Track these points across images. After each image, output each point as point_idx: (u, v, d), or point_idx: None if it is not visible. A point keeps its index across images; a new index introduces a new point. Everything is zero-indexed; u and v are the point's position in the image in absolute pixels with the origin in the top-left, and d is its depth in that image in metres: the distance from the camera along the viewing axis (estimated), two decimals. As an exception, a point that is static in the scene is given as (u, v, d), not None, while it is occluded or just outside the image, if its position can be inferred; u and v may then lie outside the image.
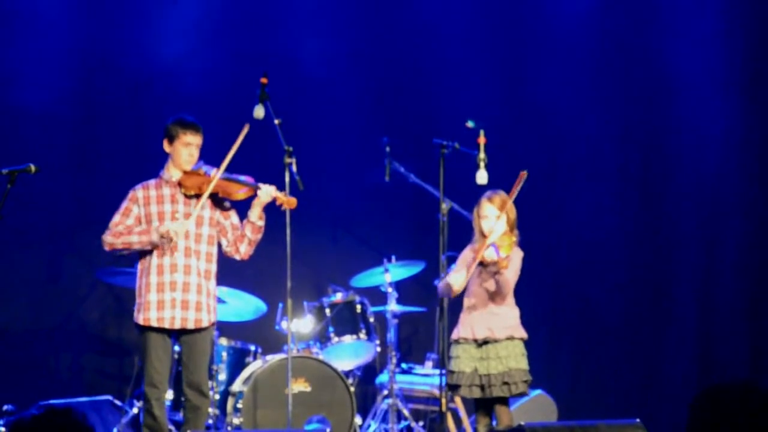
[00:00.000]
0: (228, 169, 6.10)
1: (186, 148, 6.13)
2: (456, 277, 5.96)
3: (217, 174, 6.06)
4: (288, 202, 6.18)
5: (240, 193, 6.14)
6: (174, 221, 6.05)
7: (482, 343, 5.99)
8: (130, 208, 6.14)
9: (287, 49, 8.39)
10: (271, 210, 6.22)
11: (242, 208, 6.27)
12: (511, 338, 6.01)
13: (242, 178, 6.18)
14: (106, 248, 6.13)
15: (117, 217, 6.13)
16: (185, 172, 6.14)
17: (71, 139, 8.12)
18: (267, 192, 6.13)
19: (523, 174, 5.92)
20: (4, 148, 7.63)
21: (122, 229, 6.09)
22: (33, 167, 5.49)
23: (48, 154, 7.65)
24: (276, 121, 6.26)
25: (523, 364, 6.01)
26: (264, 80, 6.26)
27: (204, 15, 8.33)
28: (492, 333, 5.98)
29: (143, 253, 6.10)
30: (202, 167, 6.15)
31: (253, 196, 6.16)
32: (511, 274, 5.97)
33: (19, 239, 7.88)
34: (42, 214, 7.97)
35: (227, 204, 6.24)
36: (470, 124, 6.23)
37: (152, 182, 6.21)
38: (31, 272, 8.03)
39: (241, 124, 6.11)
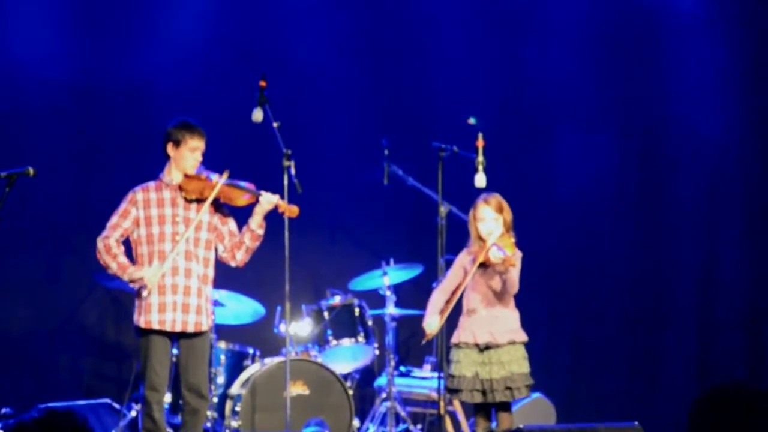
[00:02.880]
0: (230, 175, 6.09)
1: (192, 153, 6.10)
2: (429, 323, 5.98)
3: (220, 180, 6.05)
4: (290, 210, 6.16)
5: (242, 200, 6.13)
6: (149, 267, 5.99)
7: (484, 348, 5.98)
8: (128, 210, 6.11)
9: (286, 52, 8.39)
10: (270, 212, 6.21)
11: (241, 214, 6.26)
12: (512, 342, 5.99)
13: (244, 184, 6.16)
14: (96, 253, 6.10)
15: (115, 219, 6.10)
16: (187, 176, 6.12)
17: (70, 142, 8.11)
18: (268, 199, 6.11)
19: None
20: (3, 151, 7.63)
21: (118, 236, 6.06)
22: (32, 170, 5.49)
23: (47, 156, 7.65)
24: (275, 124, 6.26)
25: (525, 367, 5.99)
26: (263, 83, 6.26)
27: (203, 17, 8.33)
28: (494, 338, 5.96)
29: (141, 257, 6.08)
30: (203, 172, 6.14)
31: (255, 203, 6.14)
32: (516, 274, 5.97)
33: (17, 242, 7.87)
34: (41, 217, 7.97)
35: (226, 210, 6.23)
36: (472, 120, 6.23)
37: (152, 184, 6.18)
38: (29, 275, 8.03)
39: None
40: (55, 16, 8.09)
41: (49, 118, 8.04)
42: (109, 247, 6.03)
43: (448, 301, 6.01)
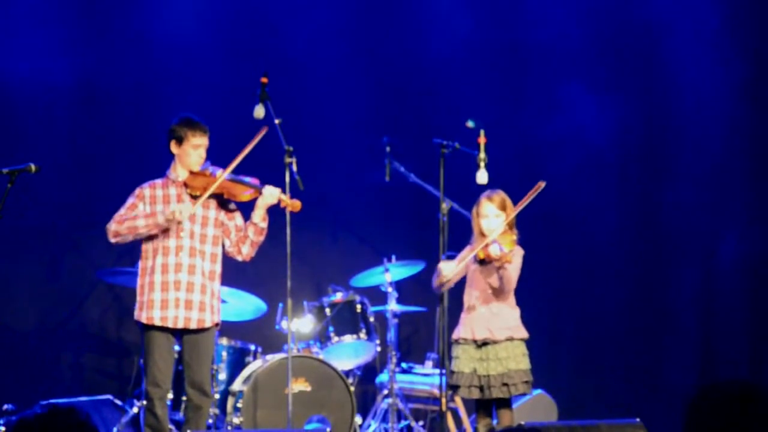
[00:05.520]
0: (233, 170, 6.10)
1: (195, 150, 6.14)
2: (447, 264, 5.97)
3: (222, 175, 6.07)
4: (292, 205, 6.18)
5: (245, 195, 6.15)
6: (180, 203, 6.05)
7: (482, 344, 5.98)
8: (136, 204, 6.14)
9: (288, 48, 8.40)
10: (272, 209, 6.22)
11: (247, 209, 6.27)
12: (510, 339, 5.98)
13: (247, 179, 6.18)
14: (111, 237, 6.08)
15: (122, 211, 6.14)
16: (192, 173, 6.14)
17: (71, 139, 8.12)
18: (271, 193, 6.13)
19: (541, 184, 5.92)
20: (4, 147, 7.63)
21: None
22: (33, 167, 5.48)
23: (48, 153, 7.65)
24: (276, 121, 6.26)
25: (524, 364, 5.98)
26: (264, 80, 6.27)
27: (205, 14, 8.33)
28: (491, 334, 5.96)
29: (146, 252, 6.10)
30: (209, 168, 6.15)
31: (258, 197, 6.16)
32: (513, 271, 5.97)
33: (19, 239, 7.88)
34: (42, 214, 7.98)
35: (232, 206, 6.25)
36: (470, 124, 6.23)
37: (159, 182, 6.22)
38: (31, 272, 8.04)
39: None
40: (56, 15, 8.09)
41: (50, 115, 8.05)
42: (122, 219, 6.05)
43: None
